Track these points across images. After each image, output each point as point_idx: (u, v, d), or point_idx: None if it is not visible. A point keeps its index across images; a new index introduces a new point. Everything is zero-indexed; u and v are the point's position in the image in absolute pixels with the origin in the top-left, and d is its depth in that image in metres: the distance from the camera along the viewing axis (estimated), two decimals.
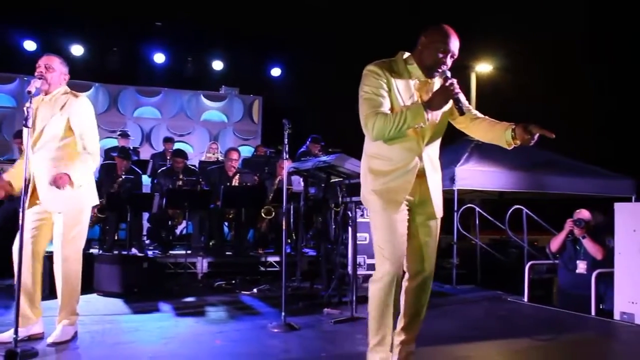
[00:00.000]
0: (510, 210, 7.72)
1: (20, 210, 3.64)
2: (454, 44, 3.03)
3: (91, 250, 7.91)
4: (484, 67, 17.62)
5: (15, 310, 3.66)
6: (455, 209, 7.84)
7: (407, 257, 3.17)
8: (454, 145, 9.67)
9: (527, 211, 7.77)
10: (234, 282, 6.92)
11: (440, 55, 3.00)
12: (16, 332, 3.57)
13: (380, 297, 3.02)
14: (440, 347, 4.21)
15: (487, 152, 8.61)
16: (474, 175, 7.99)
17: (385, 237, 3.03)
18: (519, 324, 5.34)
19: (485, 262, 8.09)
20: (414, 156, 3.07)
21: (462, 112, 3.02)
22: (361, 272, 7.05)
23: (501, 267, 8.25)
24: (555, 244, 6.45)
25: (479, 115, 3.26)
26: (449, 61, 3.02)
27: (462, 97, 3.03)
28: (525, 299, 6.42)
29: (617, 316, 5.41)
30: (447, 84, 2.94)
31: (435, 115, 3.09)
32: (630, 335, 4.91)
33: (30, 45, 11.80)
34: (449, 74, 2.99)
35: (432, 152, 3.18)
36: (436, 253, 3.25)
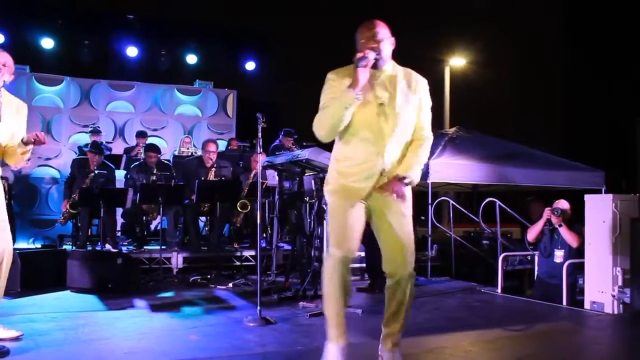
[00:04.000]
0: (484, 202, 7.82)
1: None
2: (369, 30, 3.17)
3: (64, 247, 7.83)
4: (457, 61, 17.77)
5: None
6: (430, 201, 7.91)
7: (383, 258, 3.30)
8: None
9: (500, 203, 7.88)
10: (209, 277, 6.89)
11: (363, 41, 3.17)
12: None
13: (326, 277, 3.27)
14: (414, 339, 4.24)
15: (461, 146, 8.70)
16: (448, 169, 8.06)
17: (332, 225, 3.28)
18: (492, 315, 5.42)
19: (460, 254, 8.18)
20: (374, 156, 3.13)
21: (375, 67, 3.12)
22: None
23: (475, 259, 8.35)
24: (532, 233, 6.54)
25: (420, 141, 3.28)
26: (379, 45, 3.13)
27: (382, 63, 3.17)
28: (499, 290, 6.51)
29: (587, 305, 5.51)
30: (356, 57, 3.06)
31: (365, 94, 3.09)
32: (599, 324, 5.01)
33: None
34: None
35: (394, 154, 3.19)
36: (413, 256, 3.28)
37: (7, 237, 3.87)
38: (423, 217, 8.44)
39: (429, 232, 7.85)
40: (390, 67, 3.24)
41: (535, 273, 6.84)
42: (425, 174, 7.76)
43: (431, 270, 7.55)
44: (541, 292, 6.43)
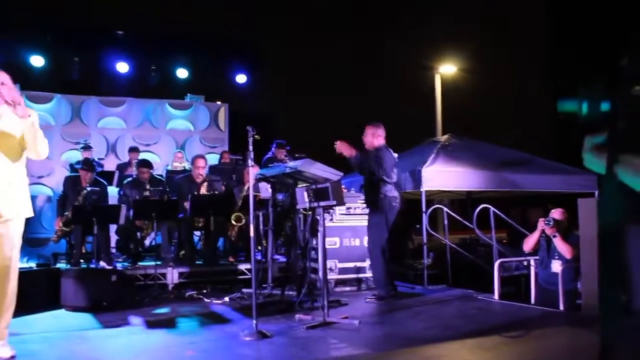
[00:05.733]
0: (477, 209, 7.82)
1: None
2: None
3: (58, 265, 7.77)
4: (448, 69, 17.84)
5: None
6: (424, 209, 7.90)
7: None
8: (420, 146, 9.77)
9: (494, 209, 7.88)
10: (205, 291, 6.86)
11: None
12: None
13: None
14: (412, 349, 4.23)
15: (454, 153, 8.71)
16: (441, 176, 8.05)
17: None
18: (490, 322, 5.39)
19: (456, 262, 8.17)
20: None
21: None
22: (332, 276, 7.07)
23: (471, 266, 8.34)
24: (529, 243, 6.54)
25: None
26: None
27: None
28: (496, 296, 6.49)
29: (584, 308, 5.51)
30: None
31: None
32: (596, 326, 4.99)
33: None
34: None
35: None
36: None
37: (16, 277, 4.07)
38: (418, 226, 8.44)
39: (425, 241, 7.83)
40: None
41: (532, 278, 6.84)
42: (418, 182, 7.77)
43: (428, 279, 7.53)
44: (542, 298, 6.42)
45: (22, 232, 4.20)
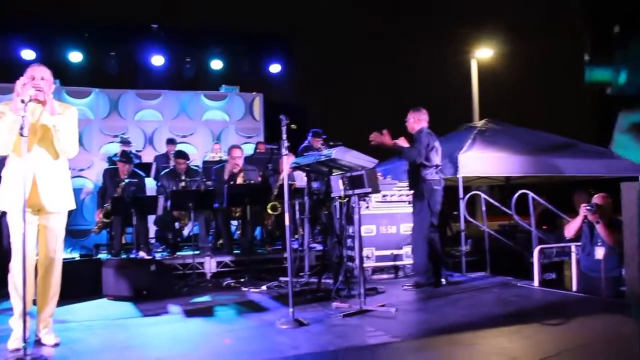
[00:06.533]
0: (516, 195, 7.67)
1: (22, 215, 3.66)
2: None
3: (99, 255, 7.94)
4: (485, 53, 17.54)
5: (22, 319, 3.68)
6: (461, 196, 7.80)
7: None
8: (457, 132, 9.63)
9: (534, 195, 7.72)
10: (242, 280, 6.91)
11: None
12: (25, 339, 3.60)
13: None
14: (449, 336, 4.19)
15: (491, 138, 8.57)
16: (478, 162, 7.93)
17: None
18: (529, 309, 5.30)
19: (495, 249, 8.04)
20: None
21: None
22: (369, 264, 7.05)
23: (510, 253, 8.20)
24: (570, 230, 6.41)
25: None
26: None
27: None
28: (536, 283, 6.37)
29: (628, 296, 5.36)
30: None
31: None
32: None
33: (28, 55, 11.78)
34: None
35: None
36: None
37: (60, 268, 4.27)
38: (456, 212, 8.33)
39: (462, 227, 7.73)
40: None
41: (573, 265, 6.70)
42: (455, 168, 7.66)
43: (466, 266, 7.44)
44: (584, 285, 6.29)
45: (65, 224, 4.29)
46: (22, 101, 3.70)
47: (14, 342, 3.92)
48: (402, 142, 6.32)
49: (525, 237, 8.35)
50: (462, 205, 7.75)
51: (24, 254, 3.70)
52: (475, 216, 9.52)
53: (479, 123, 9.80)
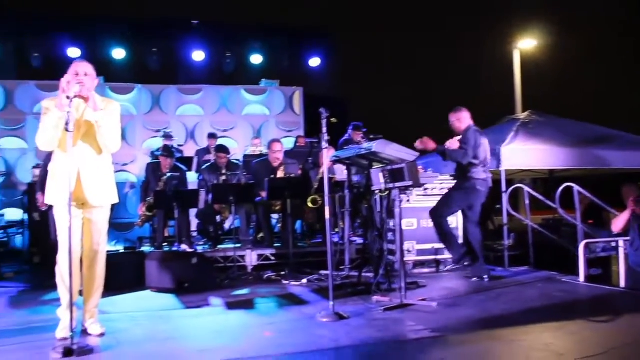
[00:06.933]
0: (561, 188, 7.49)
1: (67, 209, 3.75)
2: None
3: (143, 248, 8.07)
4: (528, 43, 17.17)
5: (70, 309, 3.77)
6: (504, 189, 7.66)
7: None
8: (499, 124, 9.45)
9: (579, 188, 7.52)
10: (283, 273, 6.94)
11: None
12: (72, 329, 3.69)
13: None
14: (492, 331, 4.12)
15: (535, 130, 8.38)
16: (521, 155, 7.76)
17: None
18: (575, 305, 5.18)
19: (539, 243, 7.88)
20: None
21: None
22: (410, 258, 7.00)
23: (555, 247, 8.02)
24: (618, 224, 6.24)
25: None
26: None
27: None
28: (582, 279, 6.21)
29: None
30: None
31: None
32: None
33: (74, 52, 12.06)
34: None
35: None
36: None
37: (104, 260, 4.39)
38: (498, 206, 8.19)
39: (505, 221, 7.60)
40: None
41: (621, 260, 6.51)
42: (497, 161, 7.53)
43: (509, 260, 7.31)
44: (632, 281, 6.12)
45: (109, 217, 4.37)
46: (67, 97, 3.78)
47: (62, 331, 4.04)
48: (452, 143, 6.25)
49: (571, 231, 8.16)
50: (505, 198, 7.61)
51: (70, 246, 3.79)
52: (518, 210, 9.35)
53: (522, 115, 9.60)
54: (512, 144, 7.80)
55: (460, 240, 6.80)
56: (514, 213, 7.88)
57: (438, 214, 6.36)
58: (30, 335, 4.28)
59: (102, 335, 4.21)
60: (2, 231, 8.70)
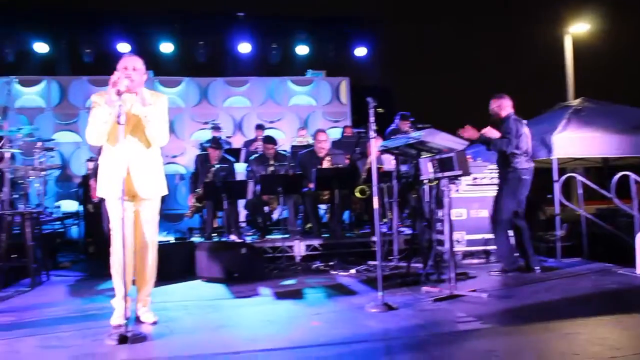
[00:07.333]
0: (616, 177, 7.25)
1: (121, 201, 3.83)
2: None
3: (193, 239, 8.21)
4: (580, 28, 16.66)
5: (124, 298, 3.88)
6: (556, 178, 7.47)
7: None
8: (550, 112, 9.21)
9: (636, 177, 7.27)
10: (331, 263, 6.95)
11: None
12: (127, 317, 3.78)
13: None
14: (544, 324, 4.03)
15: (588, 117, 8.12)
16: (574, 143, 7.54)
17: None
18: (631, 298, 5.02)
19: (593, 233, 7.66)
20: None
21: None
22: (459, 248, 6.91)
23: (610, 237, 7.79)
24: None
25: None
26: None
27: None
28: (638, 271, 6.02)
29: None
30: None
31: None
32: None
33: (124, 47, 12.31)
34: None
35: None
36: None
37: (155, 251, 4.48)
38: (550, 196, 7.99)
39: (557, 211, 7.41)
40: None
41: None
42: (549, 149, 7.34)
43: (561, 251, 7.14)
44: None
45: (159, 209, 4.45)
46: (118, 92, 3.85)
47: (117, 319, 4.16)
48: (490, 132, 6.12)
49: (627, 221, 7.90)
50: (557, 188, 7.42)
51: (123, 238, 3.89)
52: (571, 199, 9.11)
53: (574, 102, 9.32)
54: (564, 132, 7.58)
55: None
56: (566, 202, 7.68)
57: (497, 222, 6.19)
58: (86, 322, 4.42)
59: (154, 323, 4.30)
60: (59, 222, 8.97)
